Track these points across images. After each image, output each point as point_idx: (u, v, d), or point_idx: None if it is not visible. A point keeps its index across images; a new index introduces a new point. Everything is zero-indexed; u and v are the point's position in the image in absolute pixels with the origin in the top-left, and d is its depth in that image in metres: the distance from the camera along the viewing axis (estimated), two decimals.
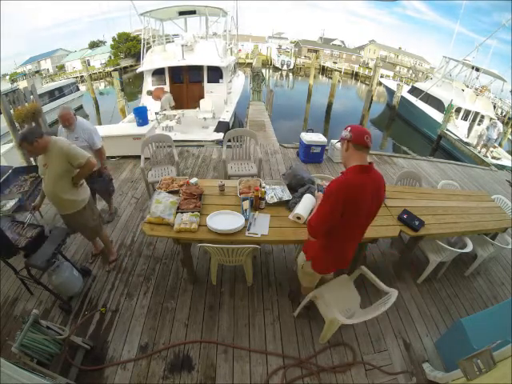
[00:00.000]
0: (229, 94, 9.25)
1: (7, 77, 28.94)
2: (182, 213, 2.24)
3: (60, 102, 14.33)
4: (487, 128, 9.42)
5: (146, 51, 9.27)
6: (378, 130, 15.38)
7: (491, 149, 9.49)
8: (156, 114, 7.49)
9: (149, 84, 9.11)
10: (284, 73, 35.37)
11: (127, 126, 6.27)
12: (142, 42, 9.23)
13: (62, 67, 36.10)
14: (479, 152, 8.94)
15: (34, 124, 6.96)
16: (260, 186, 2.55)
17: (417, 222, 2.36)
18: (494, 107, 14.95)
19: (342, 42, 52.19)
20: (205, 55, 8.94)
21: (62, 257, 2.39)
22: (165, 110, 7.82)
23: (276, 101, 12.73)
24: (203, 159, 5.21)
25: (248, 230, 2.15)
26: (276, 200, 2.43)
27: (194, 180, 2.64)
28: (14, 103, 8.04)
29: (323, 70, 37.84)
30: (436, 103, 12.85)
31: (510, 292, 2.89)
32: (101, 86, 30.16)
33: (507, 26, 11.94)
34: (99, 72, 32.84)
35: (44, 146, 2.09)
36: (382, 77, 20.89)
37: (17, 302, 2.43)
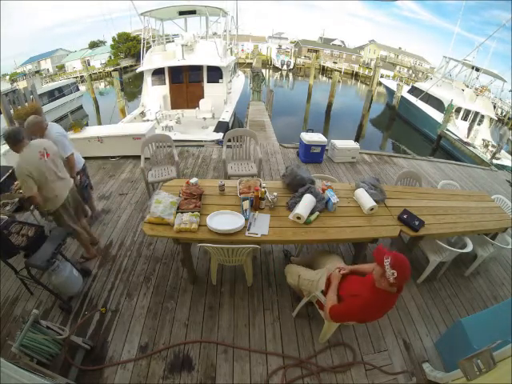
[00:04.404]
0: (229, 94, 9.26)
1: (7, 77, 28.91)
2: (182, 213, 2.24)
3: (60, 102, 14.35)
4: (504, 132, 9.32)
5: (146, 51, 9.27)
6: (378, 130, 15.39)
7: (491, 149, 9.50)
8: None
9: (149, 84, 9.12)
10: (284, 73, 35.40)
11: (127, 126, 6.28)
12: (142, 41, 9.23)
13: (62, 67, 36.08)
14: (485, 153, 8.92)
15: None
16: (260, 186, 2.54)
17: (417, 222, 2.36)
18: (494, 107, 14.95)
19: (342, 41, 52.17)
20: (205, 55, 8.95)
21: (62, 257, 2.39)
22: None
23: (276, 101, 12.74)
24: (203, 159, 5.21)
25: (248, 230, 2.15)
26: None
27: (194, 180, 2.64)
28: (14, 103, 8.05)
29: (323, 70, 37.87)
30: (436, 103, 12.86)
31: (510, 292, 2.89)
32: (101, 85, 30.15)
33: (507, 25, 11.96)
34: (99, 72, 32.86)
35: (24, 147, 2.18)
36: (382, 77, 20.93)
37: (17, 301, 2.43)
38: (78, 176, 3.00)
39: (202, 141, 6.12)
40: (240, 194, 2.49)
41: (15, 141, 2.14)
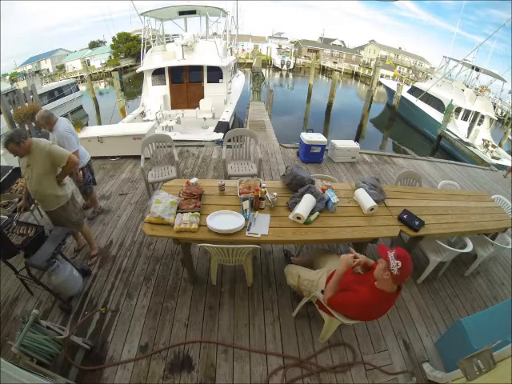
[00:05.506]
0: (229, 94, 9.26)
1: (7, 77, 28.91)
2: (182, 213, 2.23)
3: (60, 102, 14.35)
4: None
5: (146, 51, 9.27)
6: (378, 130, 15.38)
7: (491, 148, 9.50)
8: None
9: (149, 84, 9.12)
10: (284, 73, 35.40)
11: (127, 126, 6.28)
12: (142, 41, 9.24)
13: (62, 67, 36.10)
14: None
15: (33, 124, 6.98)
16: (260, 186, 2.54)
17: (417, 222, 2.36)
18: (494, 107, 14.95)
19: (342, 41, 52.22)
20: (205, 55, 8.96)
21: (62, 257, 2.39)
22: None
23: (276, 101, 12.75)
24: (203, 159, 5.21)
25: (248, 230, 2.15)
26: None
27: (194, 180, 2.64)
28: (14, 103, 8.05)
29: (323, 70, 37.88)
30: (436, 103, 12.86)
31: (510, 292, 2.89)
32: (101, 85, 30.14)
33: (507, 25, 11.97)
34: (99, 72, 32.83)
35: (28, 147, 2.22)
36: (382, 77, 20.93)
37: (17, 301, 2.43)
38: (82, 171, 3.08)
39: (202, 141, 6.12)
40: (240, 193, 2.49)
41: (16, 142, 2.16)
